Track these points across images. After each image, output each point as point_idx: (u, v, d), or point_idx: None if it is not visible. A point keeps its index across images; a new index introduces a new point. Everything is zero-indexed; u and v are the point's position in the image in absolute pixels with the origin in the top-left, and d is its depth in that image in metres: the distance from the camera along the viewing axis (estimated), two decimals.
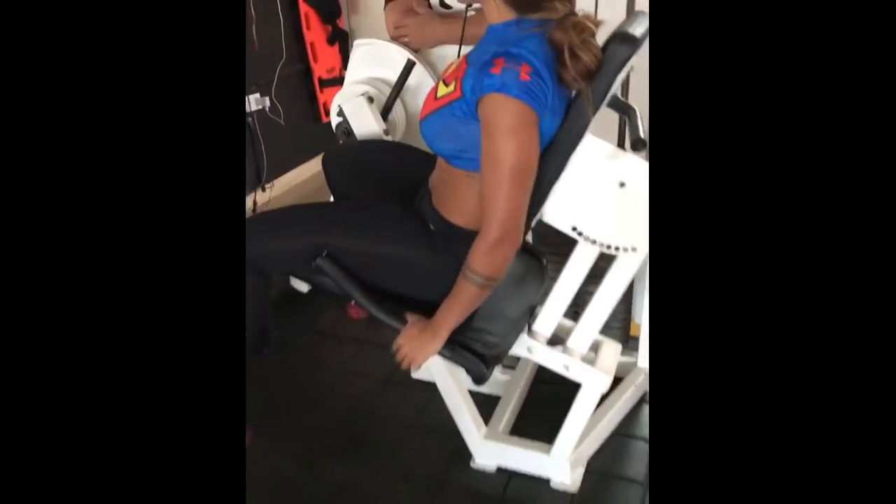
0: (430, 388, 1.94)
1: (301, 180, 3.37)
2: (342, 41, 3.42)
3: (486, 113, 1.12)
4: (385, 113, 1.73)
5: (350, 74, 1.82)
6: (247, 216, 1.40)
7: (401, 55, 1.74)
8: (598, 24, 1.15)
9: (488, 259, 1.19)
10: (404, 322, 1.33)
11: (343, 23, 3.40)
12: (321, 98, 3.38)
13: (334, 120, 1.76)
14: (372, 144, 1.70)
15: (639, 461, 1.70)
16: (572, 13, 1.14)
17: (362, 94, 1.68)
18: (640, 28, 1.16)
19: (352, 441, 1.81)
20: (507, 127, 1.10)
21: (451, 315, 1.27)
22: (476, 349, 1.35)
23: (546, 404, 1.82)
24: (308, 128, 3.35)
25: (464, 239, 1.26)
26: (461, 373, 1.57)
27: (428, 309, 1.31)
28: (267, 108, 2.95)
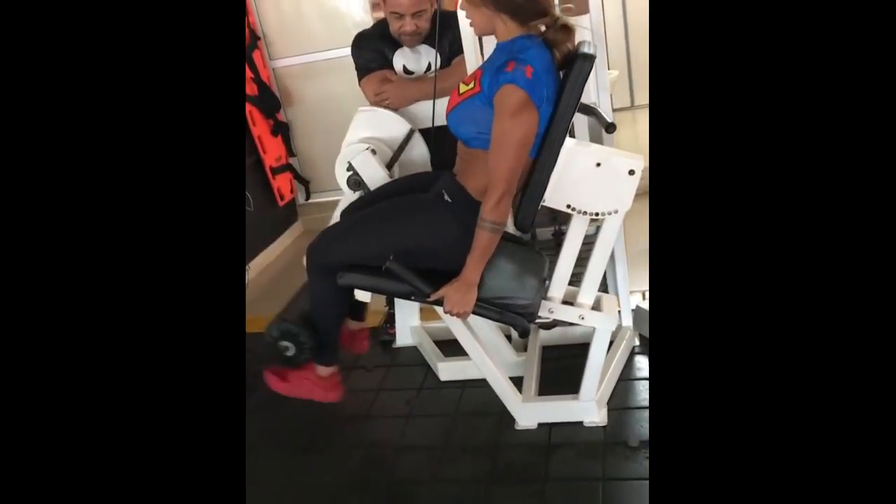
0: (459, 385, 2.29)
1: (274, 258, 3.66)
2: (284, 132, 3.81)
3: (499, 98, 1.53)
4: (389, 167, 2.12)
5: (349, 137, 2.19)
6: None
7: (395, 120, 2.15)
8: (573, 26, 1.62)
9: (497, 209, 1.59)
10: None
11: (281, 115, 3.80)
12: (275, 184, 3.74)
13: (343, 175, 2.12)
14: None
15: (644, 394, 2.09)
16: (558, 20, 1.59)
17: (367, 149, 2.07)
18: (591, 49, 1.63)
19: (407, 436, 2.11)
20: (514, 108, 1.52)
21: (475, 263, 1.64)
22: (517, 310, 1.73)
23: (556, 373, 2.20)
24: (269, 211, 3.69)
25: (473, 206, 1.65)
26: (496, 358, 2.01)
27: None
28: None
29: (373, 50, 2.30)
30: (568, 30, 1.59)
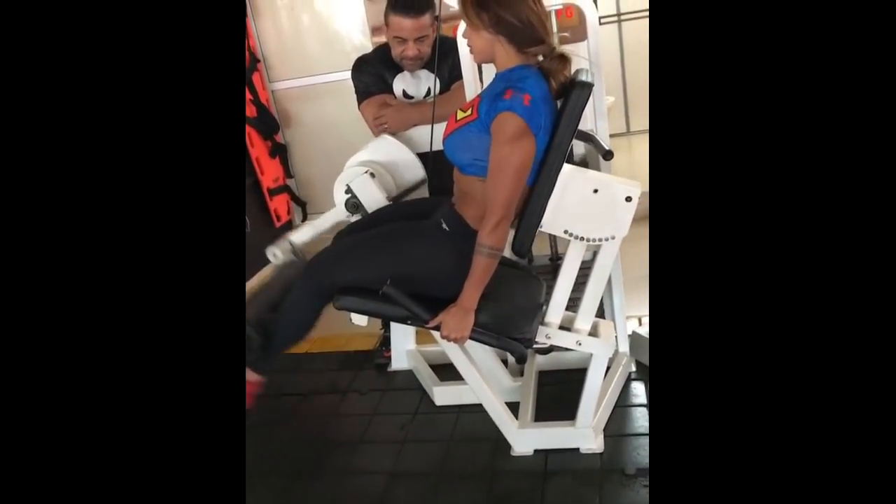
0: (454, 410, 2.27)
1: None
2: (282, 154, 3.82)
3: (497, 126, 1.54)
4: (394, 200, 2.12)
5: (354, 158, 2.19)
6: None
7: (407, 156, 2.16)
8: (570, 56, 1.63)
9: (494, 234, 1.59)
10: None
11: (280, 137, 3.81)
12: (272, 206, 3.74)
13: (342, 197, 2.12)
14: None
15: (640, 420, 2.08)
16: (554, 49, 1.61)
17: (365, 172, 2.07)
18: (588, 77, 1.64)
19: (403, 460, 2.09)
20: (511, 135, 1.54)
21: (473, 289, 1.64)
22: (515, 336, 1.72)
23: (553, 399, 2.19)
24: (266, 233, 3.68)
25: (470, 234, 1.65)
26: (492, 383, 2.00)
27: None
28: None
29: (373, 74, 2.31)
30: (564, 59, 1.61)
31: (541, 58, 1.61)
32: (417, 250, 1.75)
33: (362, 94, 2.31)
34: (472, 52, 1.67)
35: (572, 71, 1.65)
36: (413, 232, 1.79)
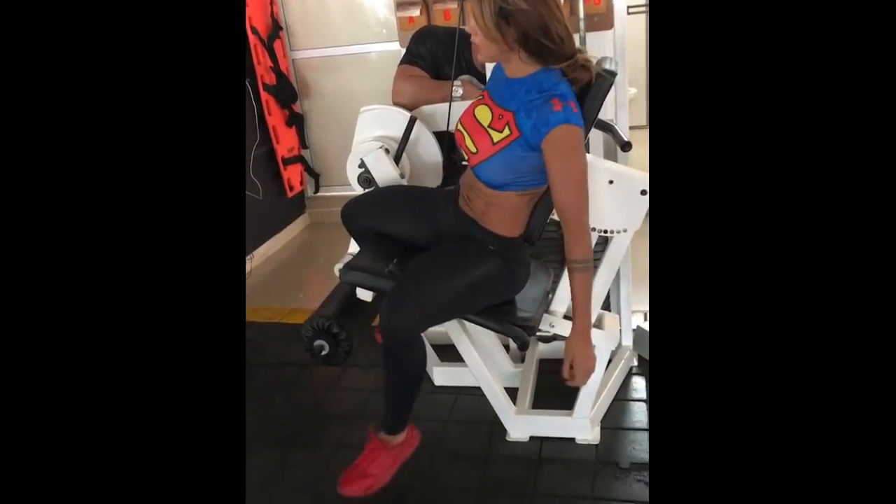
0: (453, 391, 2.28)
1: (279, 248, 3.66)
2: (298, 123, 3.81)
3: (557, 141, 1.47)
4: (396, 161, 2.10)
5: (359, 135, 2.17)
6: None
7: (401, 115, 2.13)
8: (591, 66, 1.58)
9: (584, 246, 1.56)
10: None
11: (297, 107, 3.80)
12: (285, 175, 3.73)
13: (354, 171, 2.11)
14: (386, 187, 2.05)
15: (639, 415, 2.08)
16: (575, 55, 1.54)
17: (380, 148, 2.05)
18: (612, 65, 1.62)
19: None
20: (575, 147, 1.49)
21: (585, 312, 1.60)
22: (518, 323, 1.72)
23: (552, 388, 2.17)
24: (277, 201, 3.68)
25: (516, 248, 1.66)
26: (492, 367, 2.00)
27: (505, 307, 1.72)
28: None
29: (430, 52, 2.22)
30: (587, 70, 1.56)
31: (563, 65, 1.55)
32: (481, 272, 1.67)
33: (406, 58, 2.24)
34: (476, 54, 1.61)
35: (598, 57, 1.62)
36: (470, 258, 1.68)
